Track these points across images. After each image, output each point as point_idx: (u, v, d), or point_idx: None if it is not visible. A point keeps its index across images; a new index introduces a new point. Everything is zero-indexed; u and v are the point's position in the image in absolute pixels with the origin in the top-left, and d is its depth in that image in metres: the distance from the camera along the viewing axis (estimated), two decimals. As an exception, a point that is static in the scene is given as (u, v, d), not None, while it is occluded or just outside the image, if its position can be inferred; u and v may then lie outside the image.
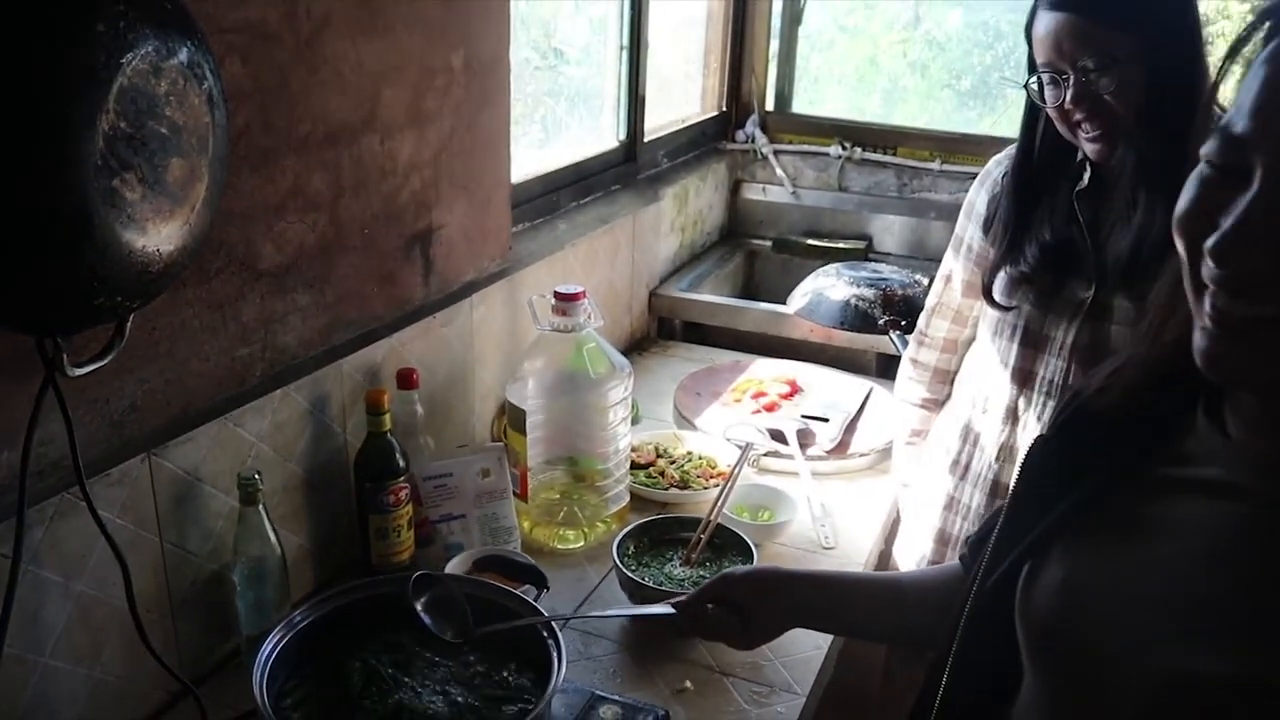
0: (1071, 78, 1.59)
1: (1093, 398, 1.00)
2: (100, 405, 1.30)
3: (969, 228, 1.94)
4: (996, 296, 1.81)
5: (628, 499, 1.89)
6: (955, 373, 2.06)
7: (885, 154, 3.26)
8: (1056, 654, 0.94)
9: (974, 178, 1.98)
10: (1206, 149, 0.80)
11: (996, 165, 1.90)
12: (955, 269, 1.98)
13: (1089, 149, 1.65)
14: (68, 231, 1.01)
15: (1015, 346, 1.80)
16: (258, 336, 1.51)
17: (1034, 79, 1.66)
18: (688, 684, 1.52)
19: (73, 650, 1.30)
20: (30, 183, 0.98)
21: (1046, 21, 1.62)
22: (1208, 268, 0.78)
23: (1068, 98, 1.60)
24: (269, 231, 1.50)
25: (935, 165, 3.18)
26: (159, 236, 1.10)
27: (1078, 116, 1.62)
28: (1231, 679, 0.80)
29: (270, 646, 1.27)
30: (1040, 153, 1.76)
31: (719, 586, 1.36)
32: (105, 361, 1.21)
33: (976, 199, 1.92)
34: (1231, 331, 0.79)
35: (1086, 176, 1.71)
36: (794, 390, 2.38)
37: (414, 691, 1.28)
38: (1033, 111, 1.75)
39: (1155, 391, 0.92)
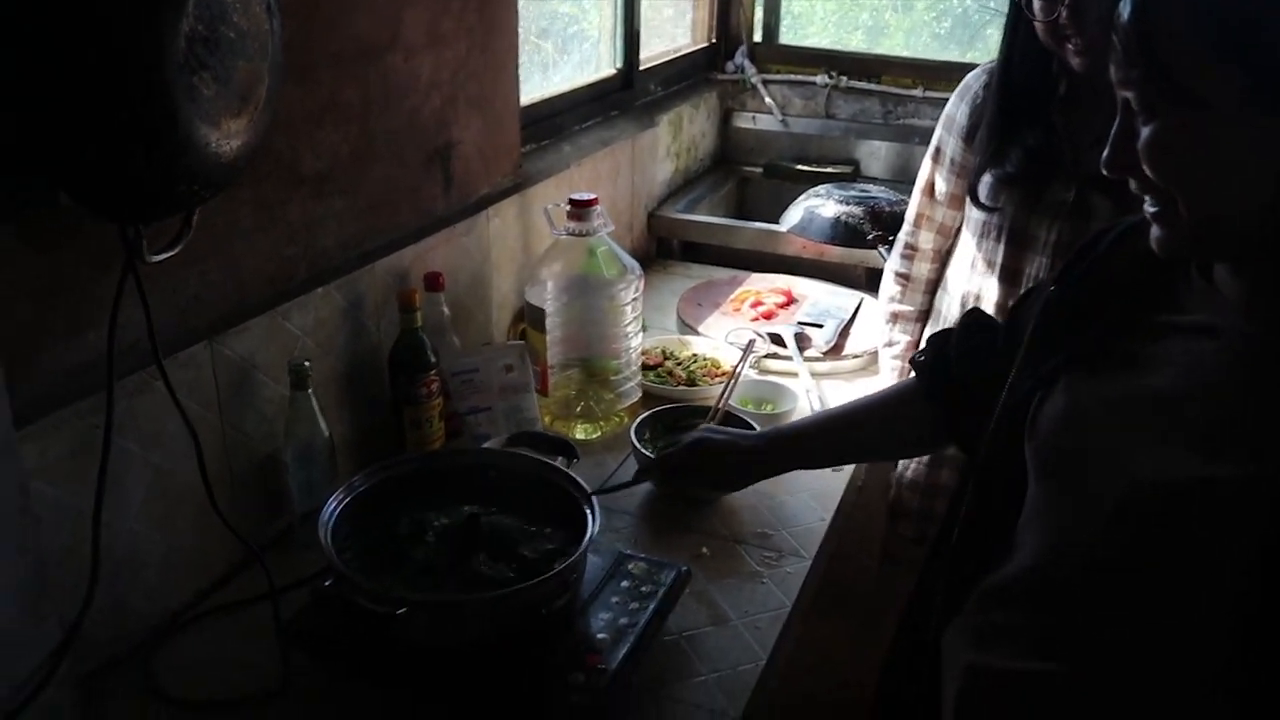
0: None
1: (1103, 257, 1.15)
2: (168, 294, 1.42)
3: (949, 140, 2.06)
4: (982, 198, 1.94)
5: (640, 394, 2.02)
6: (937, 283, 2.20)
7: (870, 82, 3.37)
8: (1054, 467, 1.10)
9: None
10: None
11: (975, 79, 2.02)
12: (938, 182, 2.11)
13: (1074, 61, 1.76)
14: (157, 123, 1.13)
15: (1002, 246, 1.93)
16: (301, 238, 1.63)
17: None
18: (704, 550, 1.66)
19: (151, 517, 1.43)
20: (126, 80, 1.10)
21: None
22: None
23: (1064, 13, 1.71)
24: (309, 140, 1.62)
25: (918, 92, 3.30)
26: (229, 131, 1.22)
27: (1069, 30, 1.72)
28: (1194, 479, 0.95)
29: (333, 507, 1.41)
30: (1020, 64, 1.88)
31: (677, 478, 1.64)
32: (176, 250, 1.34)
33: (956, 112, 2.04)
34: (1155, 223, 0.99)
35: (1063, 86, 1.84)
36: (790, 300, 2.52)
37: (466, 548, 1.42)
38: (1014, 25, 1.86)
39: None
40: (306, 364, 1.55)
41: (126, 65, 1.09)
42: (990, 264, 1.95)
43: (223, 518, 1.45)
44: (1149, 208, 0.99)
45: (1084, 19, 1.70)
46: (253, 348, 1.55)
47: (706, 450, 1.61)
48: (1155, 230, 0.99)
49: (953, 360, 1.40)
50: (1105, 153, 1.00)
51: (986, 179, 1.94)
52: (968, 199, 1.99)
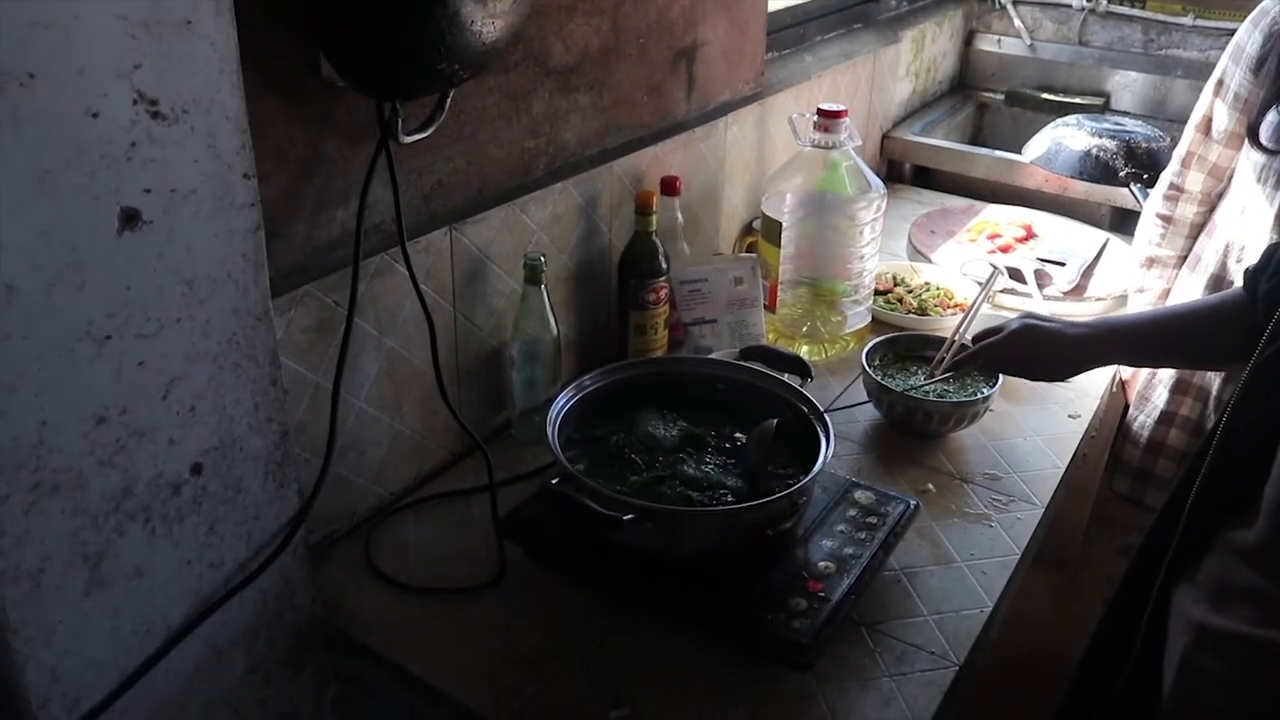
0: None
1: None
2: (414, 178, 1.41)
3: (1235, 72, 1.88)
4: (1264, 139, 1.77)
5: (869, 320, 1.94)
6: (1202, 227, 2.03)
7: (1133, 6, 3.14)
8: None
9: (1230, 34, 1.92)
10: None
11: (1275, 3, 1.84)
12: (1217, 117, 1.93)
13: None
14: (427, -5, 1.11)
15: None
16: (544, 130, 1.61)
17: None
18: (930, 486, 1.59)
19: (380, 399, 1.44)
20: (399, -53, 1.08)
21: None
22: None
23: None
24: (560, 31, 1.58)
25: (1188, 20, 3.06)
26: (494, 10, 1.19)
27: None
28: None
29: (562, 403, 1.39)
30: None
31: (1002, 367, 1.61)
32: (429, 132, 1.32)
33: (1248, 41, 1.86)
34: None
35: None
36: (1029, 235, 2.38)
37: (689, 461, 1.38)
38: None
39: None
40: (542, 258, 1.53)
41: (401, -65, 1.07)
42: (1266, 212, 1.78)
43: (450, 406, 1.45)
44: None
45: None
46: (490, 238, 1.54)
47: (1033, 338, 1.54)
48: None
49: (1267, 275, 1.28)
50: None
51: (1272, 117, 1.76)
52: (1247, 138, 1.82)
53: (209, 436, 1.04)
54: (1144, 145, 2.51)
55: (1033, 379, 1.64)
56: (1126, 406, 2.16)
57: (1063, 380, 1.65)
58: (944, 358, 1.74)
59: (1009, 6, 3.25)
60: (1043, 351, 1.54)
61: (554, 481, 1.26)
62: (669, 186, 1.77)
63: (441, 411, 1.48)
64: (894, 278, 2.14)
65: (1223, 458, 1.08)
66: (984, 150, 2.82)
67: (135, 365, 0.95)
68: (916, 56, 2.98)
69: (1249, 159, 1.84)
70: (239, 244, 1.02)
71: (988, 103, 3.32)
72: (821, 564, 1.31)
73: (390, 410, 1.46)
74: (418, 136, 1.32)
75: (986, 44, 3.33)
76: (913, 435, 1.70)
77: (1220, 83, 1.92)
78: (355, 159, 1.30)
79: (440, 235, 1.46)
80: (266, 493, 1.12)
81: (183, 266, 0.97)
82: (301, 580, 1.22)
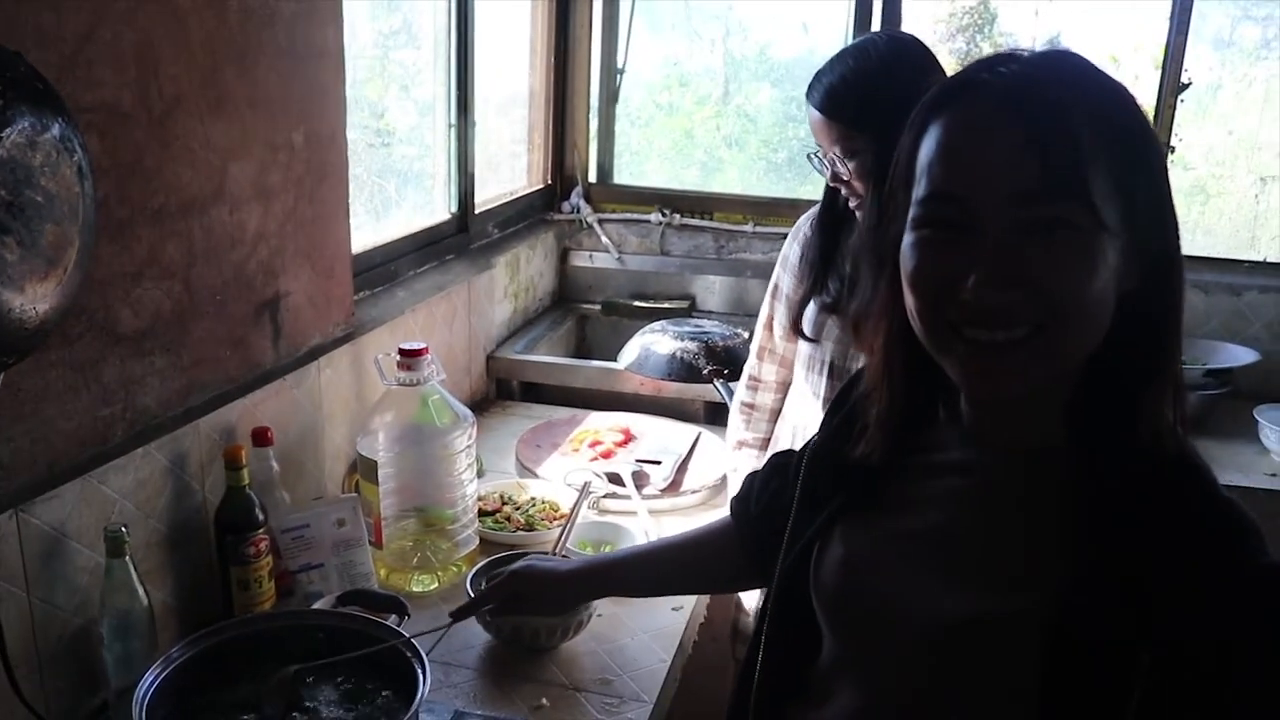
0: (828, 158, 1.88)
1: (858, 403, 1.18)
2: (-31, 465, 1.36)
3: (785, 277, 2.15)
4: (805, 329, 2.02)
5: (477, 542, 1.99)
6: (779, 411, 2.26)
7: (702, 219, 3.48)
8: (842, 618, 1.12)
9: (784, 237, 2.20)
10: (917, 215, 0.97)
11: (806, 220, 2.13)
12: (777, 315, 2.19)
13: (854, 208, 1.92)
14: (-46, 291, 1.09)
15: (824, 380, 2.00)
16: (119, 397, 1.58)
17: (810, 155, 1.92)
18: (544, 701, 1.63)
19: (-52, 704, 1.34)
20: (-81, 246, 1.06)
21: (810, 115, 1.90)
22: (963, 312, 0.94)
23: (829, 174, 1.89)
24: (127, 298, 1.58)
25: (749, 228, 3.42)
26: (35, 295, 1.18)
27: (837, 185, 1.91)
28: (973, 615, 0.99)
29: (149, 682, 1.34)
30: (840, 204, 1.98)
31: (494, 596, 1.62)
32: (-21, 419, 1.28)
33: (789, 252, 2.14)
34: (994, 357, 0.94)
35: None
36: (628, 438, 2.54)
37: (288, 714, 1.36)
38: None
39: (904, 399, 1.10)
40: (123, 529, 1.48)
41: (-80, 235, 1.06)
42: (815, 396, 2.01)
43: (25, 701, 1.37)
44: (1010, 336, 0.92)
45: (840, 180, 1.89)
46: (64, 515, 1.48)
47: (529, 577, 1.61)
48: (1005, 362, 0.94)
49: (753, 502, 1.43)
50: (986, 273, 0.91)
51: (810, 311, 2.02)
52: (792, 331, 2.07)
53: None
54: (721, 343, 2.76)
55: (536, 614, 1.69)
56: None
57: (561, 614, 1.69)
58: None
59: (595, 225, 3.51)
60: (537, 589, 1.61)
61: (141, 768, 1.21)
62: (260, 437, 1.78)
63: (19, 709, 1.39)
64: (501, 496, 2.21)
65: (772, 660, 1.19)
66: (583, 361, 3.00)
67: None
68: (514, 279, 3.15)
69: (801, 350, 2.09)
70: None
71: (587, 314, 3.54)
72: (434, 802, 1.32)
73: (-40, 714, 1.36)
74: (-33, 424, 1.28)
75: (580, 260, 3.57)
76: (525, 651, 1.74)
77: (775, 286, 2.18)
78: (-104, 455, 1.24)
79: (5, 520, 1.40)
80: None
81: None
82: None
